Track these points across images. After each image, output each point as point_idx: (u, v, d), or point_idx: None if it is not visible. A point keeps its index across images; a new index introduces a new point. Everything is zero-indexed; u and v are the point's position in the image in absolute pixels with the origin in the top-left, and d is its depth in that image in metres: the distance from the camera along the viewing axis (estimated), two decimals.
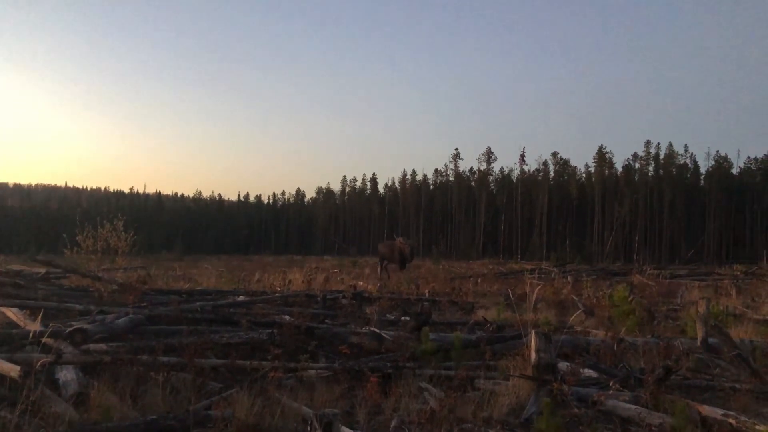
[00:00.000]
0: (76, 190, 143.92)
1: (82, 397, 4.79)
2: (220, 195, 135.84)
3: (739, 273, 30.72)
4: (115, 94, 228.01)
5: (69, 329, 6.09)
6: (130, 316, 7.50)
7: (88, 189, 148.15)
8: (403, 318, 9.84)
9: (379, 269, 25.29)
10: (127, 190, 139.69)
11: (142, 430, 4.15)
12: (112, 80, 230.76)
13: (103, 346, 6.01)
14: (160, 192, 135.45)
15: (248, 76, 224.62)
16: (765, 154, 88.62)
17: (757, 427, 4.03)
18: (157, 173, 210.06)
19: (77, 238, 14.10)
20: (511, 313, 10.26)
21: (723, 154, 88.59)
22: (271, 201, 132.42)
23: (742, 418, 4.43)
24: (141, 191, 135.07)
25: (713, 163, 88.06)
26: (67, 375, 5.12)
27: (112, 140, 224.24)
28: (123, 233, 14.26)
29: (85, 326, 6.29)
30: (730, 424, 4.40)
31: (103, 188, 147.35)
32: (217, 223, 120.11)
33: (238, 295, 12.19)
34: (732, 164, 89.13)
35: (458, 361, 6.42)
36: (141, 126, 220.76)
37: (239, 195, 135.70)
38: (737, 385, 5.64)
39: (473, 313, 11.59)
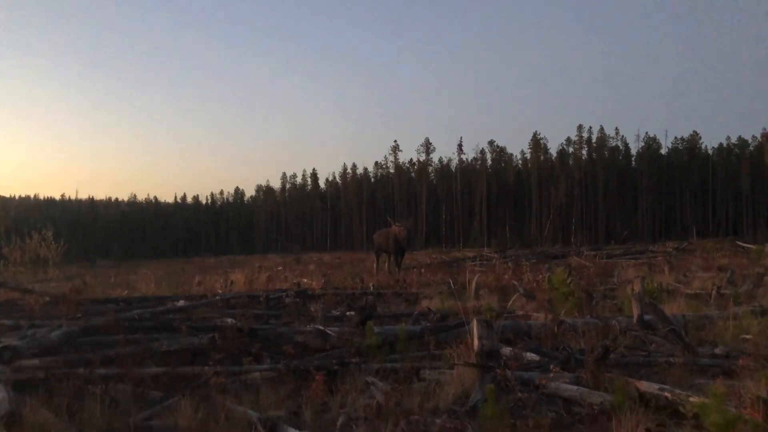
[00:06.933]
0: (3, 199, 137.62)
1: (14, 417, 4.58)
2: (155, 197, 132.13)
3: (671, 249, 31.99)
4: (42, 96, 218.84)
5: None
6: (64, 328, 7.20)
7: (17, 197, 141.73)
8: (348, 313, 9.79)
9: (375, 265, 22.64)
10: (58, 197, 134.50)
11: None
12: (38, 81, 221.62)
13: (35, 362, 5.77)
14: (93, 197, 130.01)
15: (180, 74, 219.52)
16: (690, 134, 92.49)
17: (690, 398, 4.17)
18: (89, 178, 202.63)
19: (4, 250, 13.50)
20: (455, 301, 10.38)
21: (652, 135, 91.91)
22: (209, 201, 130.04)
23: (677, 391, 4.59)
24: (73, 197, 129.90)
25: (643, 144, 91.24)
26: None
27: (40, 145, 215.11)
28: (52, 243, 13.73)
29: (15, 342, 6.02)
30: (666, 397, 4.55)
31: (33, 196, 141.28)
32: (155, 227, 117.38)
33: (178, 300, 11.90)
34: (661, 144, 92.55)
35: (403, 353, 6.43)
36: (69, 129, 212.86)
37: (176, 196, 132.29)
38: (672, 359, 5.84)
39: (417, 304, 11.64)
